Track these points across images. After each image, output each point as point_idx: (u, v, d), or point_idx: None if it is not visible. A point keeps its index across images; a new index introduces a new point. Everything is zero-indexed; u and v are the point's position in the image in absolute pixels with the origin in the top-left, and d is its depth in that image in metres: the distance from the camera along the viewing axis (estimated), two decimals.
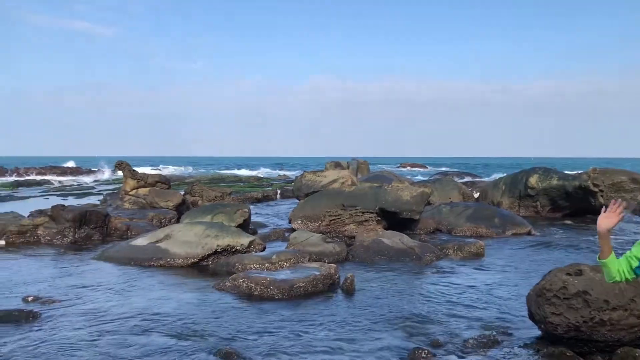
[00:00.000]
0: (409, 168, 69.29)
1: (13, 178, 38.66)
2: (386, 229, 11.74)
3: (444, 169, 62.30)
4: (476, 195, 19.35)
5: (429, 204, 14.25)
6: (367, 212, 12.00)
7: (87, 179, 40.65)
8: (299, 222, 12.80)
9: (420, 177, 36.50)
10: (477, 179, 34.30)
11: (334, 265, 7.95)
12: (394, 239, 10.18)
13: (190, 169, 60.95)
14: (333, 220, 12.13)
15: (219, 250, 9.30)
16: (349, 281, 7.45)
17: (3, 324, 5.73)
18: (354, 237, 11.24)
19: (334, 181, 16.13)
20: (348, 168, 25.21)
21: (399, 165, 77.33)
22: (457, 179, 26.57)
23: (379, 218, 12.03)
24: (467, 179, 34.69)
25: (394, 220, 12.39)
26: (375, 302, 6.83)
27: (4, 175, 46.11)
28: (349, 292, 7.28)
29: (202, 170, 59.20)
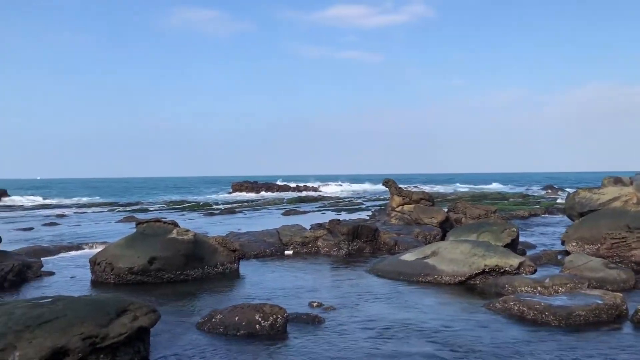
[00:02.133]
0: None
1: (296, 194, 43.87)
2: None
3: None
4: None
5: None
6: None
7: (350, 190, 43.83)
8: (574, 244, 11.77)
9: None
10: None
11: (620, 295, 7.09)
12: None
13: (461, 187, 60.57)
14: (616, 243, 10.85)
15: (486, 270, 9.08)
16: None
17: (295, 324, 6.50)
18: None
19: (615, 199, 14.40)
20: (631, 184, 22.29)
21: None
22: None
23: None
24: None
25: None
26: None
27: (272, 190, 52.41)
28: None
29: (464, 188, 58.75)
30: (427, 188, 50.66)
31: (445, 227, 15.19)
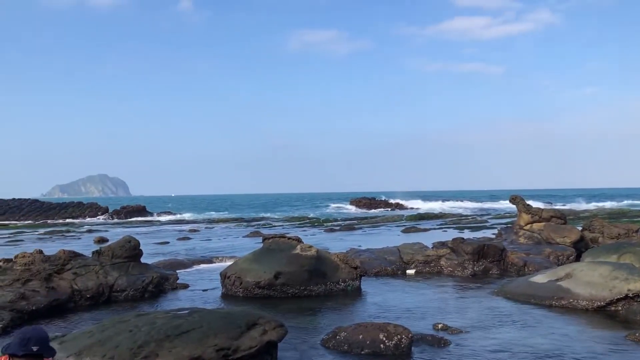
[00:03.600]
0: None
1: (415, 211, 43.35)
2: None
3: None
4: None
5: None
6: None
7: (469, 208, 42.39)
8: None
9: None
10: None
11: None
12: None
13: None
14: None
15: (630, 295, 8.28)
16: None
17: (419, 346, 6.35)
18: None
19: None
20: None
21: None
22: None
23: None
24: None
25: None
26: None
27: (390, 207, 51.93)
28: None
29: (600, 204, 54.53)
30: (557, 205, 47.63)
31: (580, 247, 14.13)
